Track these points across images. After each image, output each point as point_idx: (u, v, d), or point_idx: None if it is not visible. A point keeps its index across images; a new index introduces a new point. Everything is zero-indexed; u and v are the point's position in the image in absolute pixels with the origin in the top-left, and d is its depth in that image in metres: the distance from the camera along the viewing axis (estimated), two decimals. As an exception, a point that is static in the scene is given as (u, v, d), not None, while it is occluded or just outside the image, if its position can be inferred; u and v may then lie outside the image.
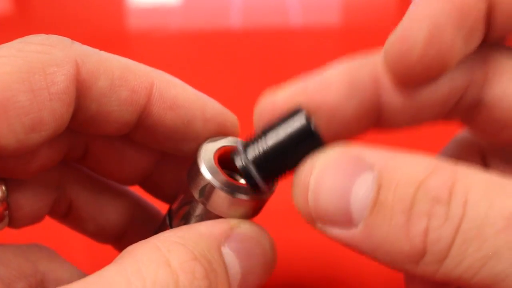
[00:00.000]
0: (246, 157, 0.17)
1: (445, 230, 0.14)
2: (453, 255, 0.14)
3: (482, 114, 0.18)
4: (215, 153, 0.19)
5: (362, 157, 0.16)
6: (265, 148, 0.17)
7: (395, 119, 0.18)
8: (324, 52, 0.51)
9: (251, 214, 0.19)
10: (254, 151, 0.17)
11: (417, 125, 0.19)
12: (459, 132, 0.22)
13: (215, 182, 0.18)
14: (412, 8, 0.17)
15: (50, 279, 0.21)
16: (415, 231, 0.15)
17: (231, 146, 0.20)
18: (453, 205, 0.14)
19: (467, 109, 0.19)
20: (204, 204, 0.18)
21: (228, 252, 0.17)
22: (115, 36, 0.54)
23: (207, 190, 0.18)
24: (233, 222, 0.18)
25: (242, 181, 0.19)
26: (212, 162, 0.19)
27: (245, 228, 0.18)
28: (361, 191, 0.15)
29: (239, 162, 0.17)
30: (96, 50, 0.19)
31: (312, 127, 0.17)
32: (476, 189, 0.14)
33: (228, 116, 0.21)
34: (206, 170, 0.18)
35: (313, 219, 0.16)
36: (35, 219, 0.21)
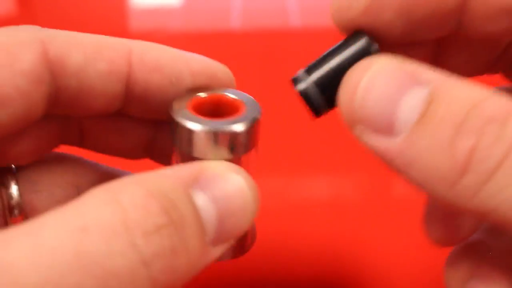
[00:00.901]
0: (310, 80, 0.17)
1: (495, 150, 0.13)
2: (498, 178, 0.13)
3: None
4: (187, 102, 0.18)
5: (419, 72, 0.15)
6: (328, 70, 0.17)
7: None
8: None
9: (241, 150, 0.18)
10: (317, 73, 0.17)
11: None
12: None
13: (191, 125, 0.17)
14: None
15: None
16: (461, 146, 0.14)
17: (205, 96, 0.19)
18: (509, 126, 0.13)
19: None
20: (190, 153, 0.17)
21: (199, 195, 0.15)
22: (115, 36, 0.54)
23: (187, 137, 0.17)
24: (205, 163, 0.16)
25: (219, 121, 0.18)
26: (185, 109, 0.18)
27: (217, 167, 0.16)
28: (411, 102, 0.14)
29: (302, 85, 0.17)
30: (66, 31, 0.19)
31: (373, 50, 0.16)
32: None
33: (218, 67, 0.20)
34: (181, 117, 0.17)
35: (354, 121, 0.15)
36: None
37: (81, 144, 0.22)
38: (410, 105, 0.14)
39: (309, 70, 0.17)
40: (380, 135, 0.15)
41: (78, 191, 0.21)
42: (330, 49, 0.17)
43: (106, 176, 0.22)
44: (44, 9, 0.60)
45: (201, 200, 0.15)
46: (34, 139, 0.20)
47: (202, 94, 0.19)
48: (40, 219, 0.13)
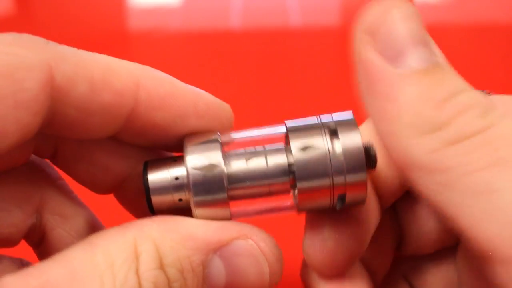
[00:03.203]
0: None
1: (480, 121, 0.14)
2: (473, 143, 0.14)
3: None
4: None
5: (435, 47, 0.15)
6: None
7: None
8: (323, 53, 0.51)
9: None
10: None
11: None
12: None
13: None
14: None
15: (49, 209, 0.20)
16: (452, 105, 0.14)
17: None
18: (492, 114, 0.14)
19: None
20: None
21: (216, 260, 0.17)
22: (115, 36, 0.54)
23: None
24: (239, 231, 0.17)
25: None
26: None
27: (246, 243, 0.17)
28: (424, 54, 0.15)
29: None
30: (74, 50, 0.17)
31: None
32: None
33: (222, 108, 0.20)
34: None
35: (369, 30, 0.15)
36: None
37: (52, 159, 0.20)
38: (421, 56, 0.15)
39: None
40: (382, 57, 0.15)
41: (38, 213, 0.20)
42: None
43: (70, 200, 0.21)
44: (43, 8, 0.60)
45: (216, 265, 0.17)
46: (6, 157, 0.18)
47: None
48: (69, 263, 0.15)
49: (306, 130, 0.17)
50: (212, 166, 0.17)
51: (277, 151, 0.18)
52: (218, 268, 0.17)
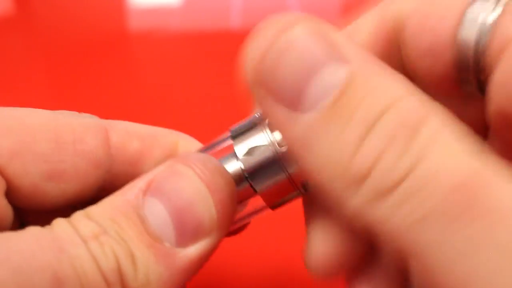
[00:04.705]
0: None
1: (400, 163, 0.12)
2: (395, 196, 0.12)
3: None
4: None
5: (340, 45, 0.13)
6: None
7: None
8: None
9: None
10: None
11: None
12: None
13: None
14: None
15: None
16: (368, 150, 0.12)
17: None
18: (420, 136, 0.12)
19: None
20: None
21: (151, 201, 0.16)
22: (115, 36, 0.54)
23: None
24: (158, 168, 0.16)
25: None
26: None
27: (165, 166, 0.16)
28: (325, 79, 0.13)
29: None
30: (123, 121, 0.20)
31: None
32: (443, 136, 0.12)
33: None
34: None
35: (259, 82, 0.14)
36: None
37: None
38: (323, 84, 0.13)
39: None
40: (284, 106, 0.13)
41: None
42: None
43: None
44: (42, 8, 0.60)
45: (151, 205, 0.15)
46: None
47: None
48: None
49: (247, 131, 0.17)
50: None
51: (228, 160, 0.17)
52: (155, 206, 0.16)
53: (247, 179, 0.17)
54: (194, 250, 0.16)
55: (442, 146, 0.12)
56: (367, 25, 0.17)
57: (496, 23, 0.15)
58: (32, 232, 0.14)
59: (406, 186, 0.12)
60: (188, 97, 0.43)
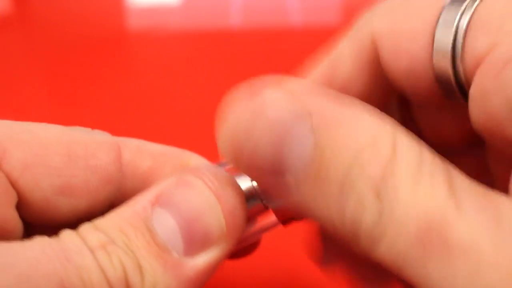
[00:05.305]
0: None
1: (376, 227, 0.12)
2: (385, 243, 0.12)
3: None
4: None
5: (303, 100, 0.13)
6: None
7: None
8: (324, 52, 0.51)
9: None
10: None
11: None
12: None
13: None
14: None
15: None
16: (347, 213, 0.13)
17: None
18: (388, 192, 0.12)
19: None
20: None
21: (158, 211, 0.15)
22: (115, 35, 0.54)
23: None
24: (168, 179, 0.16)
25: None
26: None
27: (174, 177, 0.16)
28: (295, 148, 0.13)
29: None
30: (134, 139, 0.20)
31: None
32: (405, 178, 0.12)
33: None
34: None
35: (238, 161, 0.14)
36: None
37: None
38: (296, 150, 0.13)
39: None
40: (269, 174, 0.14)
41: None
42: None
43: None
44: (41, 7, 0.60)
45: (160, 216, 0.15)
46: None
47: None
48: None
49: None
50: None
51: (239, 176, 0.17)
52: (163, 217, 0.15)
53: (258, 195, 0.17)
54: (202, 260, 0.16)
55: (404, 193, 0.12)
56: (347, 51, 0.17)
57: (464, 39, 0.14)
58: (39, 241, 0.14)
59: (388, 234, 0.12)
60: (187, 96, 0.43)
